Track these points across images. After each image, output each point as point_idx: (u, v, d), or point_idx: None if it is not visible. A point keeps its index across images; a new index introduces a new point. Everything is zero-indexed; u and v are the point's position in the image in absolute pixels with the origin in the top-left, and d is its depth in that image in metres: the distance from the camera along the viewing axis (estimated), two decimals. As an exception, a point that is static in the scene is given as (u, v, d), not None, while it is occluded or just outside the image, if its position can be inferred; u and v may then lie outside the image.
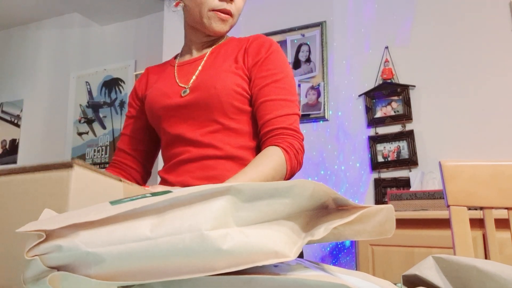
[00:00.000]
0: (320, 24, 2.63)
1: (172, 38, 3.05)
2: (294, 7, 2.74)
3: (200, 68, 1.00)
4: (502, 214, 1.03)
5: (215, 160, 0.92)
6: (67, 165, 0.40)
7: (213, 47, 1.05)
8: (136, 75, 3.64)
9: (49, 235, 0.28)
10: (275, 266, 0.32)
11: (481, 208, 0.93)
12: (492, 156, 2.08)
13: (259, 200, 0.32)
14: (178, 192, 0.32)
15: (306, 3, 2.71)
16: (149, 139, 1.11)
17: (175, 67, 1.06)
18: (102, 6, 3.66)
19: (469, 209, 0.95)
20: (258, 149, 0.96)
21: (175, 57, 1.13)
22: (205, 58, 1.02)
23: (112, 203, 0.33)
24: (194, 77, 0.99)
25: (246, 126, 0.96)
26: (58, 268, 0.28)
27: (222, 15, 0.97)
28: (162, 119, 1.00)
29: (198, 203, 0.30)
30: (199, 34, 1.05)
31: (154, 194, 0.34)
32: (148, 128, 1.10)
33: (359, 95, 2.45)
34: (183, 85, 0.99)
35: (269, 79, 0.94)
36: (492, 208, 0.92)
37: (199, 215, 0.29)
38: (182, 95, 0.97)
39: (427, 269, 0.43)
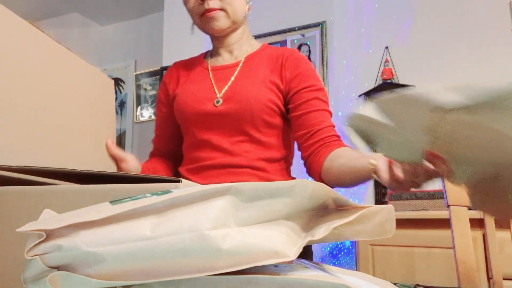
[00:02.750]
0: (320, 24, 2.63)
1: (172, 38, 3.05)
2: (294, 7, 2.74)
3: (233, 77, 1.01)
4: (502, 214, 1.03)
5: (240, 169, 0.96)
6: (176, 180, 0.44)
7: (246, 54, 1.05)
8: (136, 75, 3.64)
9: (49, 234, 0.28)
10: (275, 266, 0.32)
11: (481, 208, 0.93)
12: (492, 156, 2.08)
13: (260, 200, 0.32)
14: (178, 192, 0.32)
15: (306, 3, 2.71)
16: (179, 138, 1.10)
17: (209, 70, 1.05)
18: (102, 6, 3.67)
19: (469, 209, 0.95)
20: (283, 162, 1.01)
21: (204, 56, 1.12)
22: (239, 66, 1.03)
23: (112, 203, 0.33)
24: (227, 86, 1.00)
25: (273, 139, 0.99)
26: (58, 268, 0.28)
27: (208, 15, 0.98)
28: (191, 122, 1.00)
29: (198, 203, 0.30)
30: (215, 40, 1.07)
31: (154, 194, 0.34)
32: (178, 126, 1.09)
33: (359, 95, 2.45)
34: (217, 91, 1.00)
35: (316, 93, 0.98)
36: (492, 208, 0.92)
37: (199, 215, 0.29)
38: (216, 104, 0.98)
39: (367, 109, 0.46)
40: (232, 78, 1.01)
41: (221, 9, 0.98)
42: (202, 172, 0.98)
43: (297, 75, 0.99)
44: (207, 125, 0.98)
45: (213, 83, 1.02)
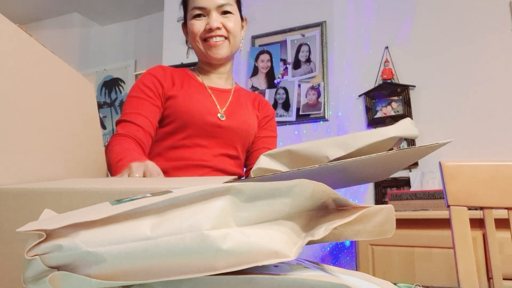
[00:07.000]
0: (320, 24, 2.63)
1: (172, 38, 3.05)
2: (294, 7, 2.74)
3: (229, 101, 1.14)
4: (502, 214, 1.03)
5: (223, 173, 1.07)
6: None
7: (232, 86, 1.19)
8: (136, 75, 3.64)
9: (49, 234, 0.28)
10: (275, 266, 0.32)
11: (481, 208, 0.93)
12: (492, 156, 2.08)
13: (260, 200, 0.32)
14: (178, 192, 0.32)
15: (306, 3, 2.71)
16: (155, 129, 1.07)
17: (207, 88, 1.13)
18: (102, 6, 3.67)
19: (469, 209, 0.95)
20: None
21: (192, 71, 1.16)
22: (232, 93, 1.16)
23: (112, 203, 0.33)
24: (226, 106, 1.12)
25: (243, 160, 1.18)
26: (58, 268, 0.28)
27: (212, 41, 1.06)
28: (192, 126, 1.05)
29: (198, 203, 0.30)
30: (208, 65, 1.13)
31: (154, 194, 0.34)
32: (158, 116, 1.07)
33: (359, 95, 2.45)
34: (219, 108, 1.11)
35: (274, 136, 1.23)
36: (492, 208, 0.92)
37: (199, 214, 0.29)
38: (220, 118, 1.09)
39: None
40: (229, 100, 1.13)
41: (226, 38, 1.06)
42: (190, 172, 1.03)
43: (266, 117, 1.21)
44: (208, 133, 1.06)
45: (215, 100, 1.11)
